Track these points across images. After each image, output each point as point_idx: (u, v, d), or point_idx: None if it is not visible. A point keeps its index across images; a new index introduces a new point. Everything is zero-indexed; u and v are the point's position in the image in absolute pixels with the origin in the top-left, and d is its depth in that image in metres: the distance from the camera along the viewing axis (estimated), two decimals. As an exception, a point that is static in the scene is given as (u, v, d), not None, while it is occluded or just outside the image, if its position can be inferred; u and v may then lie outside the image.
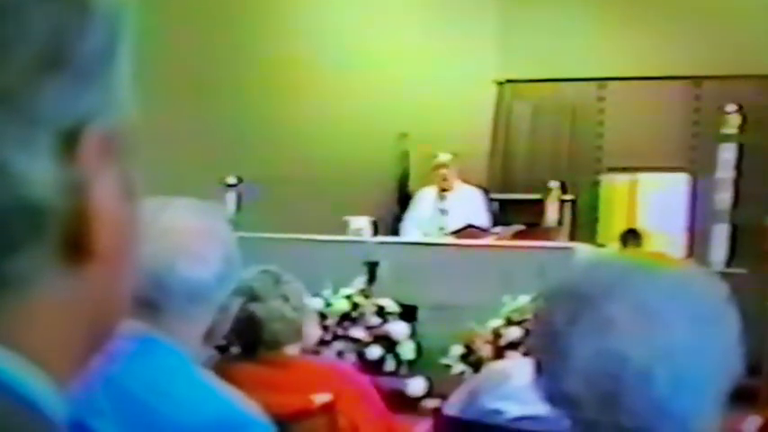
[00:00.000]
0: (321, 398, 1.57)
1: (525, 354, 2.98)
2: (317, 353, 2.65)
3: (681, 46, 5.74)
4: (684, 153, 5.87)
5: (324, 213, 4.45)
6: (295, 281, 1.69)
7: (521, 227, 4.55)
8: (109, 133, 0.29)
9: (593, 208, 5.99)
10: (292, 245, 3.91)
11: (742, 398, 0.89)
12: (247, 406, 0.94)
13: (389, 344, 3.91)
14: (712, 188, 5.76)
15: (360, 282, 4.00)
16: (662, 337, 0.74)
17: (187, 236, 0.98)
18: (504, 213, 5.56)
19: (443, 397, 1.91)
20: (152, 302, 0.95)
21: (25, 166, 0.27)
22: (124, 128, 0.30)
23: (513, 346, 3.60)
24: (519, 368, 1.40)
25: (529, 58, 6.07)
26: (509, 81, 6.26)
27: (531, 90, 6.23)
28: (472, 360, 3.69)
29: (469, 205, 4.80)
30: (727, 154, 5.75)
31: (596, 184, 6.07)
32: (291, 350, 1.66)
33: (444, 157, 4.84)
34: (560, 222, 5.47)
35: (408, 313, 3.99)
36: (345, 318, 3.94)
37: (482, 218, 4.77)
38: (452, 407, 1.51)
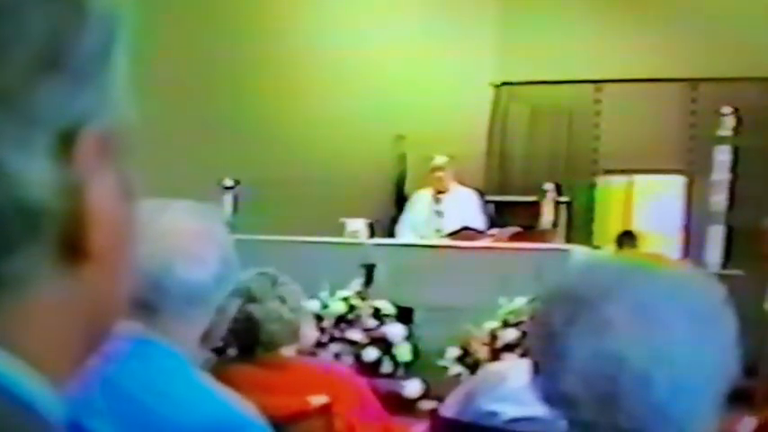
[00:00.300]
0: (318, 400, 1.56)
1: (522, 355, 2.99)
2: (313, 355, 2.65)
3: (677, 49, 5.77)
4: (680, 155, 5.89)
5: (321, 215, 4.45)
6: (292, 283, 1.69)
7: (517, 229, 4.56)
8: (106, 134, 0.29)
9: (590, 210, 6.01)
10: (289, 247, 3.91)
11: (738, 399, 0.89)
12: (244, 408, 0.94)
13: (386, 346, 3.91)
14: (708, 190, 5.78)
15: (356, 284, 4.00)
16: (659, 339, 0.74)
17: (185, 238, 0.98)
18: (500, 215, 5.57)
19: (440, 399, 1.91)
20: (149, 304, 0.95)
21: (22, 166, 0.27)
22: (121, 129, 0.30)
23: (509, 347, 3.60)
24: (515, 370, 1.40)
25: (525, 60, 6.09)
26: (505, 84, 6.28)
27: (528, 92, 6.25)
28: (469, 362, 3.69)
29: (465, 207, 4.81)
30: (723, 156, 5.77)
31: (592, 185, 6.08)
32: (288, 352, 1.66)
33: (440, 159, 4.85)
34: (556, 224, 5.48)
35: (405, 315, 3.99)
36: (342, 320, 3.94)
37: (478, 220, 4.78)
38: (449, 408, 1.51)
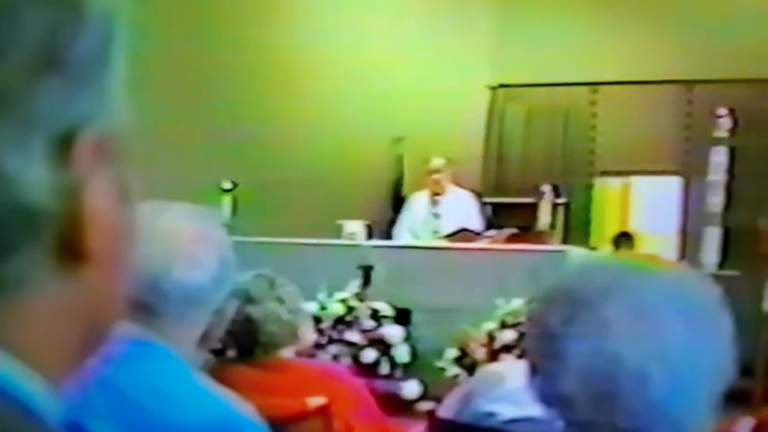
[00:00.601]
0: (316, 401, 1.57)
1: (519, 356, 2.99)
2: (312, 356, 2.65)
3: (673, 50, 5.78)
4: (677, 156, 5.91)
5: (318, 217, 4.45)
6: (290, 284, 1.69)
7: (514, 230, 4.57)
8: (104, 137, 0.29)
9: (586, 211, 6.02)
10: (287, 249, 3.91)
11: (735, 399, 0.89)
12: (243, 409, 0.95)
13: (384, 347, 3.91)
14: (704, 191, 5.80)
15: (354, 285, 4.00)
16: (656, 338, 0.74)
17: (183, 240, 0.98)
18: (497, 217, 5.58)
19: (438, 400, 1.91)
20: (148, 306, 0.95)
21: (20, 168, 0.27)
22: (119, 131, 0.30)
23: (507, 348, 3.61)
24: (513, 370, 1.41)
25: (522, 62, 6.10)
26: (502, 86, 6.29)
27: (525, 94, 6.26)
28: (466, 363, 3.70)
29: (462, 209, 4.81)
30: (719, 157, 5.79)
31: (589, 187, 6.09)
32: (287, 353, 1.67)
33: (438, 161, 4.86)
34: (553, 226, 5.49)
35: (403, 316, 3.99)
36: (340, 321, 3.94)
37: (475, 221, 4.78)
38: (447, 409, 1.51)
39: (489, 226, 4.92)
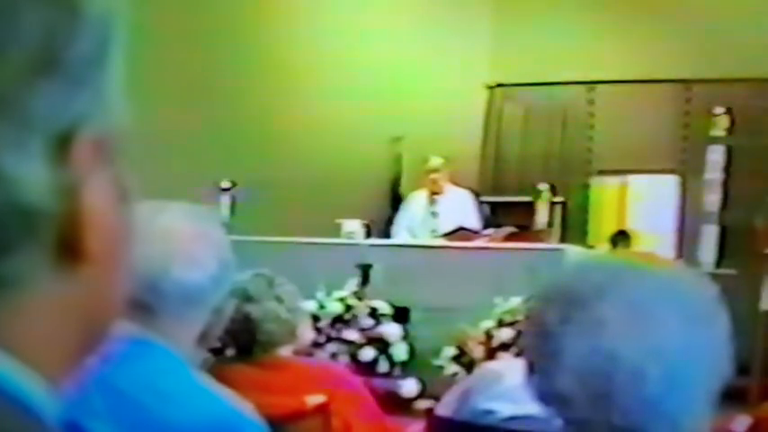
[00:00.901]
0: (315, 399, 1.57)
1: (517, 355, 3.00)
2: (310, 355, 2.66)
3: (670, 49, 5.79)
4: (674, 155, 5.91)
5: (317, 216, 4.45)
6: (288, 283, 1.69)
7: (512, 229, 4.57)
8: (101, 136, 0.29)
9: (584, 210, 6.02)
10: (286, 248, 3.91)
11: (732, 397, 0.90)
12: (241, 407, 0.95)
13: (382, 345, 3.91)
14: (701, 190, 5.80)
15: (353, 284, 4.00)
16: (654, 337, 0.75)
17: (182, 239, 0.98)
18: (495, 216, 5.58)
19: (436, 398, 1.91)
20: (147, 305, 0.95)
21: (18, 168, 0.27)
22: (117, 131, 0.30)
23: (505, 347, 3.61)
24: (511, 369, 1.41)
25: (519, 62, 6.10)
26: (500, 85, 6.29)
27: (522, 94, 6.26)
28: (464, 361, 3.70)
29: (460, 208, 4.82)
30: (716, 156, 5.79)
31: (586, 186, 6.10)
32: (285, 352, 1.67)
33: (436, 161, 4.86)
34: (551, 224, 5.50)
35: (401, 315, 4.00)
36: (339, 320, 3.94)
37: (473, 220, 4.79)
38: (445, 407, 1.52)
39: (487, 225, 4.93)
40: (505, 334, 3.65)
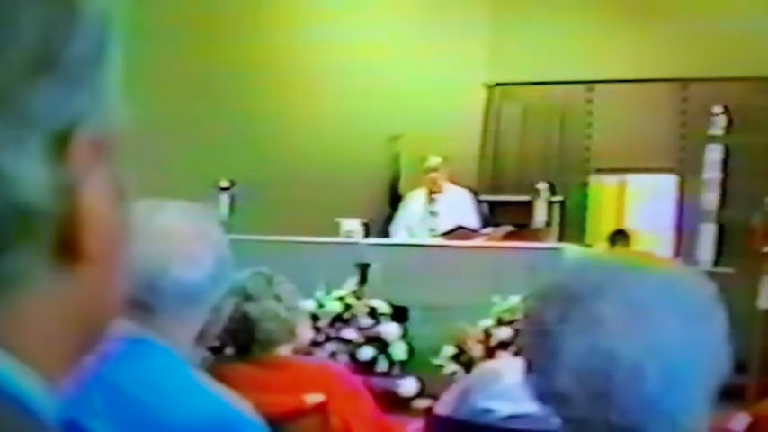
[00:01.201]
0: (313, 398, 1.57)
1: (516, 353, 3.00)
2: (309, 354, 2.66)
3: (668, 48, 5.79)
4: (672, 154, 5.92)
5: (316, 215, 4.45)
6: (287, 282, 1.70)
7: (510, 228, 4.58)
8: (100, 136, 0.29)
9: (582, 209, 6.03)
10: (285, 247, 3.91)
11: (730, 395, 0.90)
12: (240, 406, 0.95)
13: (381, 344, 3.91)
14: (699, 188, 5.81)
15: (351, 283, 4.00)
16: (652, 335, 0.75)
17: (180, 238, 0.98)
18: (493, 215, 5.59)
19: (435, 397, 1.91)
20: (145, 304, 0.95)
21: (17, 167, 0.27)
22: (115, 130, 0.30)
23: (503, 345, 3.61)
24: (510, 367, 1.41)
25: (518, 61, 6.11)
26: (498, 84, 6.29)
27: (520, 93, 6.27)
28: (463, 360, 3.70)
29: (459, 207, 4.82)
30: (714, 155, 5.80)
31: (585, 185, 6.10)
32: (284, 351, 1.67)
33: (434, 160, 4.87)
34: (549, 223, 5.50)
35: (400, 314, 4.00)
36: (338, 319, 3.94)
37: (472, 219, 4.79)
38: (444, 406, 1.52)
39: (486, 224, 4.93)
40: (504, 333, 3.65)
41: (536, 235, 4.86)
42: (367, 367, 3.75)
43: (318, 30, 5.20)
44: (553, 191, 5.68)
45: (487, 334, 3.71)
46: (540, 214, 5.51)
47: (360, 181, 5.33)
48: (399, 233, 4.83)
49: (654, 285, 0.77)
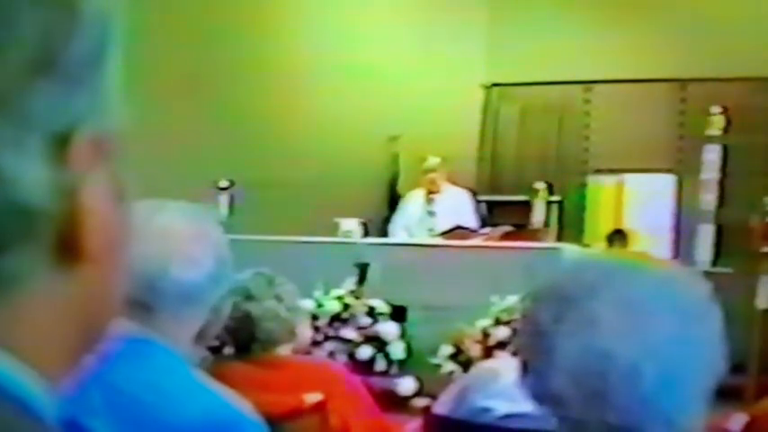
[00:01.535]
0: (313, 397, 1.57)
1: (514, 353, 3.00)
2: (308, 353, 2.66)
3: (666, 49, 5.80)
4: (670, 154, 5.92)
5: (314, 215, 4.45)
6: (288, 283, 1.70)
7: (508, 228, 4.58)
8: (99, 136, 0.29)
9: (580, 209, 6.03)
10: (284, 247, 3.91)
11: (728, 395, 0.90)
12: (240, 405, 0.95)
13: (380, 344, 3.92)
14: (697, 189, 5.81)
15: (350, 283, 4.00)
16: (647, 335, 0.75)
17: (180, 238, 0.99)
18: (491, 215, 5.59)
19: (433, 396, 1.92)
20: (145, 304, 0.96)
21: (17, 168, 0.27)
22: (115, 131, 0.30)
23: (501, 345, 3.62)
24: (507, 367, 1.42)
25: (515, 61, 6.11)
26: (496, 85, 6.29)
27: (518, 93, 6.27)
28: (461, 359, 3.71)
29: (457, 207, 4.82)
30: (712, 155, 5.80)
31: (583, 185, 6.10)
32: (284, 351, 1.67)
33: (433, 161, 4.87)
34: (547, 223, 5.51)
35: (398, 314, 4.00)
36: (336, 318, 3.94)
37: (470, 219, 4.80)
38: (442, 406, 1.53)
39: (484, 224, 4.94)
40: (502, 332, 3.66)
41: (534, 235, 4.86)
42: (365, 366, 3.75)
43: (317, 30, 5.20)
44: (551, 191, 5.68)
45: (486, 334, 3.71)
46: (538, 214, 5.52)
47: (358, 181, 5.33)
48: (398, 233, 4.83)
49: (649, 285, 0.78)
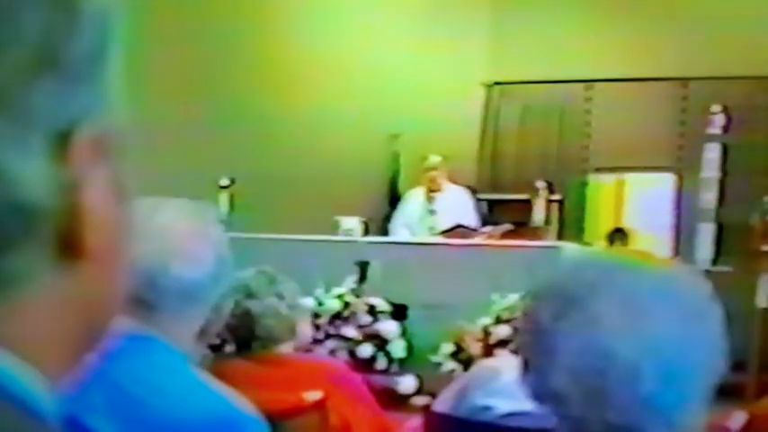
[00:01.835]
0: (313, 395, 1.58)
1: (514, 351, 3.00)
2: (309, 351, 2.66)
3: (667, 47, 5.79)
4: (671, 153, 5.92)
5: (315, 214, 4.46)
6: (290, 281, 1.70)
7: (509, 226, 4.58)
8: (100, 134, 0.30)
9: (581, 207, 6.03)
10: (284, 245, 3.91)
11: (729, 394, 0.90)
12: (240, 403, 0.95)
13: (380, 342, 3.92)
14: (698, 187, 5.81)
15: (351, 281, 4.00)
16: (647, 332, 0.75)
17: (180, 236, 0.99)
18: (492, 213, 5.59)
19: (433, 394, 1.92)
20: (146, 302, 0.96)
21: (18, 166, 0.27)
22: (116, 128, 0.30)
23: (502, 343, 3.62)
24: (508, 365, 1.42)
25: (517, 60, 6.11)
26: (497, 83, 6.29)
27: (519, 92, 6.26)
28: (462, 358, 3.71)
29: (458, 205, 4.83)
30: (713, 154, 5.80)
31: (584, 183, 6.10)
32: (285, 348, 1.68)
33: (434, 159, 4.87)
34: (548, 222, 5.51)
35: (399, 312, 4.00)
36: (337, 317, 3.95)
37: (471, 218, 4.80)
38: (443, 404, 1.53)
39: (485, 222, 4.94)
40: (503, 331, 3.66)
41: (535, 233, 4.86)
42: (366, 365, 3.75)
43: (318, 28, 5.20)
44: (552, 189, 5.68)
45: (486, 332, 3.72)
46: (538, 213, 5.52)
47: (359, 179, 5.33)
48: (399, 231, 4.83)
49: (649, 284, 0.78)
